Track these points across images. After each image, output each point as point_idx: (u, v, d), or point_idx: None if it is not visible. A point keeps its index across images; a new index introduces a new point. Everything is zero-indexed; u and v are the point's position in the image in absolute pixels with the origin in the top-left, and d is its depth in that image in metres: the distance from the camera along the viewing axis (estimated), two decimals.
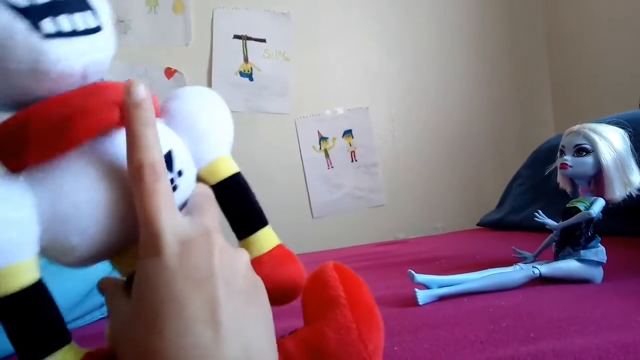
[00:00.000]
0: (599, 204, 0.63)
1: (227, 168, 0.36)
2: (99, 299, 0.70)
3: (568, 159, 0.65)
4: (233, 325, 0.26)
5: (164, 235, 0.27)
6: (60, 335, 0.28)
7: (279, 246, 0.38)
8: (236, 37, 1.85)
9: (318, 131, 1.93)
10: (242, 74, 1.86)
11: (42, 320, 0.27)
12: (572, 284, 0.61)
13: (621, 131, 0.65)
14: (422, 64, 2.03)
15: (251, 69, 1.87)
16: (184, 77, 1.79)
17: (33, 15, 0.25)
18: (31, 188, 0.27)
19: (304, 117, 1.92)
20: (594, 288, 0.59)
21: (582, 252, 0.62)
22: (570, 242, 0.64)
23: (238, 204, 0.37)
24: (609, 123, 0.66)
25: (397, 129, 2.00)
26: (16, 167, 0.27)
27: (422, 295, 0.57)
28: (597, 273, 0.62)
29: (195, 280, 0.26)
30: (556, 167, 0.68)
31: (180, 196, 0.32)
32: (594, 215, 0.62)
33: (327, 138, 1.94)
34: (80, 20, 0.27)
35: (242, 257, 0.30)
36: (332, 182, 1.94)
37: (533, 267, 0.62)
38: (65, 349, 0.27)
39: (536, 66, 2.14)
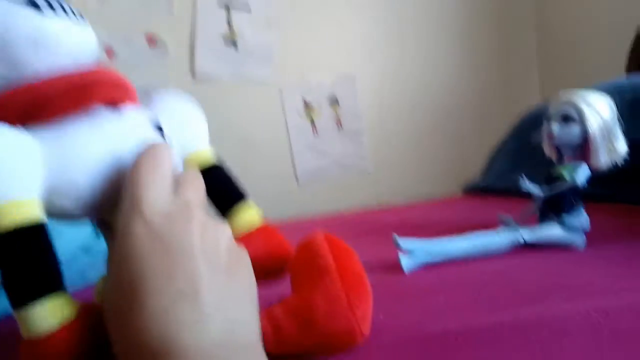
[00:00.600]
0: (583, 171, 0.63)
1: (208, 159, 0.39)
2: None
3: (555, 128, 0.65)
4: (216, 299, 0.26)
5: (144, 206, 0.27)
6: (52, 282, 0.27)
7: (263, 225, 0.39)
8: (220, 5, 1.80)
9: (304, 99, 1.91)
10: (226, 42, 1.81)
11: (35, 263, 0.27)
12: (555, 249, 0.62)
13: (608, 99, 0.65)
14: (408, 31, 2.00)
15: (236, 37, 1.82)
16: (167, 45, 1.74)
17: (34, 4, 0.30)
18: (39, 141, 0.29)
19: (289, 85, 1.89)
20: (577, 255, 0.60)
21: (565, 218, 0.63)
22: (553, 208, 0.65)
23: (220, 185, 0.39)
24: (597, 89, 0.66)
25: (383, 96, 1.99)
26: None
27: (406, 263, 0.58)
28: (580, 239, 0.63)
29: (175, 253, 0.26)
30: (542, 135, 0.68)
31: None
32: (579, 183, 0.63)
33: (313, 105, 1.92)
34: (69, 6, 0.33)
35: (224, 231, 0.30)
36: (318, 149, 1.93)
37: (517, 233, 0.63)
38: (57, 299, 0.27)
39: (522, 31, 2.12)
